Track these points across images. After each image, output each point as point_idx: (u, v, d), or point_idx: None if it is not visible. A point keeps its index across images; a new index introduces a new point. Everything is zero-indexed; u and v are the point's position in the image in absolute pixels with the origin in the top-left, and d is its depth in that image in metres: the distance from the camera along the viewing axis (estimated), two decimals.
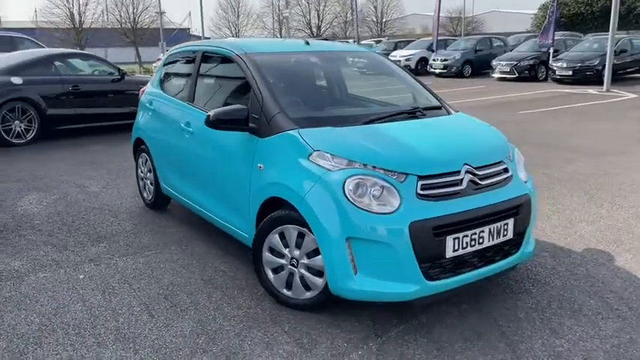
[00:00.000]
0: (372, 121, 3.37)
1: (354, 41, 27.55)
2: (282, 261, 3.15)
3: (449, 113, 3.84)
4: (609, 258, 3.91)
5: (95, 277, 3.60)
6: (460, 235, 2.89)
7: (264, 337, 2.88)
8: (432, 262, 2.85)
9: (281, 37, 58.42)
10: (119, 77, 9.40)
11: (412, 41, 27.68)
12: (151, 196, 4.95)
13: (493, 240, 3.04)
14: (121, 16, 55.10)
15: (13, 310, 3.18)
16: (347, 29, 58.21)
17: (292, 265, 3.11)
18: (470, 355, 2.72)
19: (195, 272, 3.67)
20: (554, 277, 3.60)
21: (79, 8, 53.45)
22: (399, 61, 23.87)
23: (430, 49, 24.12)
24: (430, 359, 2.69)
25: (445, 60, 22.04)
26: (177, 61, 4.75)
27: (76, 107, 8.81)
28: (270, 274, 3.22)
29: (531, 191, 3.35)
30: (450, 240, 2.86)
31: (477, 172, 3.08)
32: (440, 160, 3.03)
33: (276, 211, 3.14)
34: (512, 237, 3.14)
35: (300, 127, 3.18)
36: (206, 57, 4.20)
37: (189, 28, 61.57)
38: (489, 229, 3.01)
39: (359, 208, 2.78)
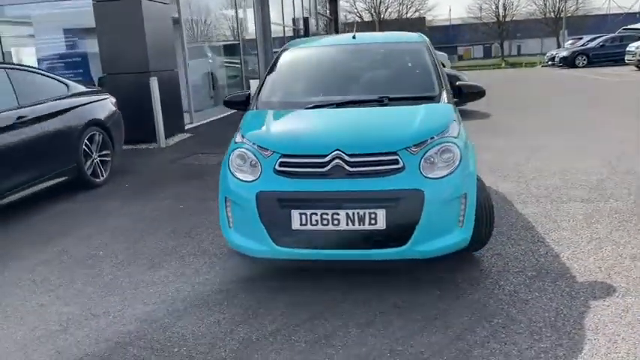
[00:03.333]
0: (315, 107, 3.82)
1: None
2: None
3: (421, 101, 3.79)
4: (603, 296, 3.13)
5: (183, 209, 5.18)
6: (307, 211, 3.19)
7: (175, 265, 3.86)
8: (280, 230, 3.27)
9: None
10: None
11: None
12: None
13: (354, 225, 3.15)
14: (545, 6, 54.55)
15: (115, 215, 5.09)
16: None
17: None
18: (266, 317, 3.12)
19: None
20: (478, 292, 3.25)
21: (505, 1, 55.32)
22: None
23: None
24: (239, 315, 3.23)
25: None
26: None
27: None
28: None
29: (437, 190, 3.16)
30: (295, 214, 3.21)
31: (349, 159, 3.23)
32: (308, 144, 3.36)
33: None
34: (384, 228, 3.14)
35: (256, 109, 3.95)
36: None
37: (638, 13, 56.24)
38: (347, 214, 3.14)
39: (233, 175, 3.46)
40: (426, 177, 3.19)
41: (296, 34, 21.09)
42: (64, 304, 3.35)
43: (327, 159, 3.24)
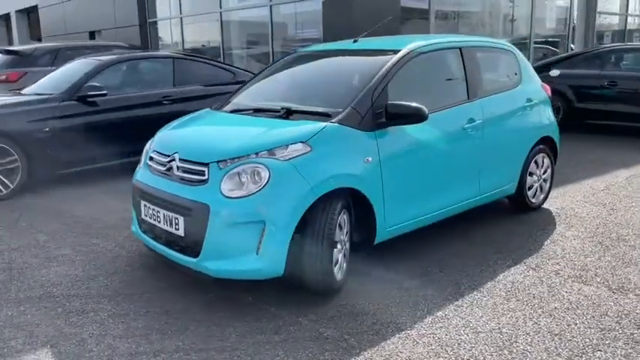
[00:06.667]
0: (233, 111, 3.91)
1: None
2: None
3: (322, 119, 3.41)
4: None
5: None
6: (147, 204, 3.51)
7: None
8: (139, 217, 3.68)
9: None
10: None
11: None
12: None
13: (167, 226, 3.34)
14: None
15: None
16: None
17: None
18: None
19: None
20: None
21: None
22: None
23: None
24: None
25: None
26: None
27: (608, 103, 8.64)
28: None
29: (226, 209, 3.03)
30: (142, 204, 3.58)
31: (179, 164, 3.36)
32: (164, 142, 3.62)
33: None
34: (183, 235, 3.22)
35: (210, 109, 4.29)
36: None
37: None
38: (164, 214, 3.35)
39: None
40: (221, 194, 3.09)
41: None
42: None
43: (167, 159, 3.46)
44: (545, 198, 5.02)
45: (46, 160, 5.80)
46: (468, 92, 4.13)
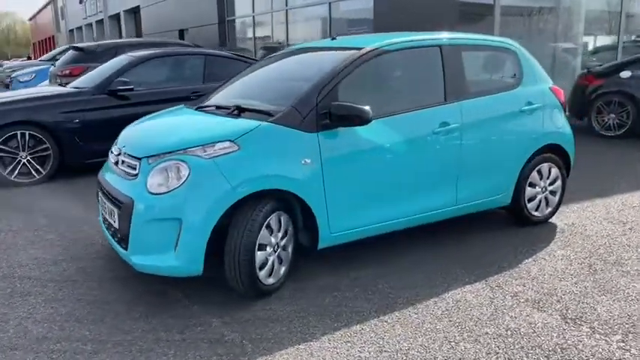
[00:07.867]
0: (198, 108, 3.92)
1: None
2: None
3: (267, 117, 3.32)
4: None
5: None
6: (101, 195, 3.64)
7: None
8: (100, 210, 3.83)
9: None
10: None
11: None
12: None
13: (110, 217, 3.44)
14: None
15: None
16: None
17: None
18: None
19: None
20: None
21: None
22: None
23: None
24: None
25: None
26: None
27: None
28: None
29: (146, 204, 3.07)
30: (99, 195, 3.71)
31: (123, 158, 3.45)
32: (122, 138, 3.74)
33: None
34: (118, 227, 3.30)
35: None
36: None
37: None
38: (107, 206, 3.46)
39: None
40: (146, 189, 3.12)
41: None
42: None
43: (117, 153, 3.56)
44: (554, 212, 4.55)
45: (75, 150, 6.19)
46: (445, 94, 3.84)
